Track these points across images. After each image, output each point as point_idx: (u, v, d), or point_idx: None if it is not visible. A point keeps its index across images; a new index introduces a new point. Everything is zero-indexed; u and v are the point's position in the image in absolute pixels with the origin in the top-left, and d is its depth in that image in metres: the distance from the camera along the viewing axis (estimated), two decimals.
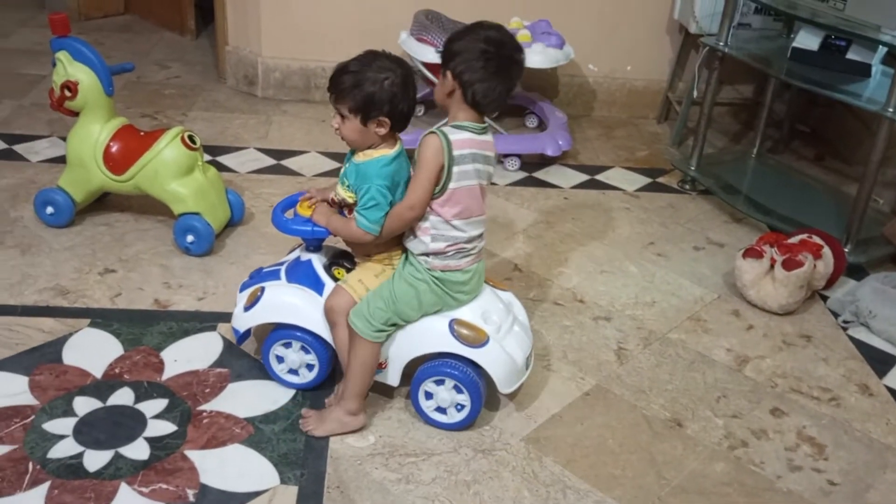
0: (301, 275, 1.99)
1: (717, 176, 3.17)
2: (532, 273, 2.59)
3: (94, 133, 2.49)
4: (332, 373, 2.05)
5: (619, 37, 3.67)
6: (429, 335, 1.91)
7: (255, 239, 2.64)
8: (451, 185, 1.82)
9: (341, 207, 1.94)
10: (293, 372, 2.04)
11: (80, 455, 1.81)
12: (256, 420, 1.94)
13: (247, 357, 2.13)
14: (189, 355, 2.13)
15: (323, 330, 1.97)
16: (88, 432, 1.87)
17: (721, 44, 3.01)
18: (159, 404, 1.97)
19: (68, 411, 1.92)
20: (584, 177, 3.25)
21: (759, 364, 2.27)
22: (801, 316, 2.50)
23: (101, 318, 2.23)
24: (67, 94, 2.44)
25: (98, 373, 2.05)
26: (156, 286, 2.38)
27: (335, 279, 1.97)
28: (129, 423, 1.90)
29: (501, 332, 1.94)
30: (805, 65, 2.89)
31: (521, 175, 3.20)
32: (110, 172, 2.51)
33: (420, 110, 3.62)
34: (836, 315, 2.51)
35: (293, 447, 1.87)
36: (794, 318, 2.48)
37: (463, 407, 1.93)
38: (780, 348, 2.35)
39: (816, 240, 2.55)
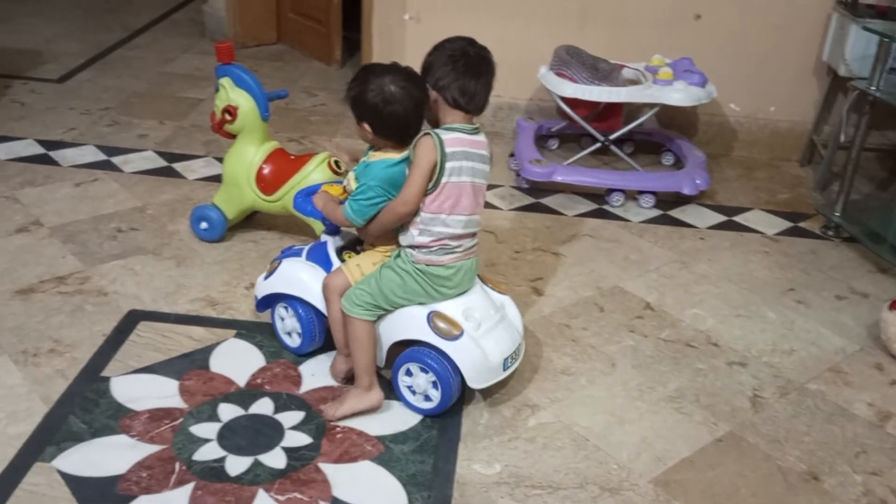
0: (316, 254, 2.19)
1: (862, 223, 3.05)
2: (665, 313, 2.55)
3: (248, 155, 2.64)
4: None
5: (763, 77, 3.60)
6: (409, 322, 2.04)
7: None
8: (444, 180, 1.96)
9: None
10: (288, 334, 2.26)
11: (223, 459, 1.91)
12: (386, 439, 2.00)
13: (380, 378, 2.19)
14: (325, 371, 2.21)
15: (322, 305, 2.14)
16: (231, 438, 1.97)
17: (872, 88, 2.91)
18: (296, 416, 2.05)
19: (213, 416, 2.03)
20: (721, 217, 3.19)
21: None
22: None
23: (246, 330, 2.35)
24: (228, 117, 2.59)
25: (242, 382, 2.15)
26: None
27: (343, 261, 2.14)
28: (269, 432, 1.99)
29: (481, 329, 2.03)
30: None
31: (656, 213, 3.17)
32: (261, 192, 2.64)
33: (555, 143, 3.65)
34: None
35: (421, 469, 1.91)
36: None
37: (432, 398, 2.04)
38: None
39: None
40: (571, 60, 3.21)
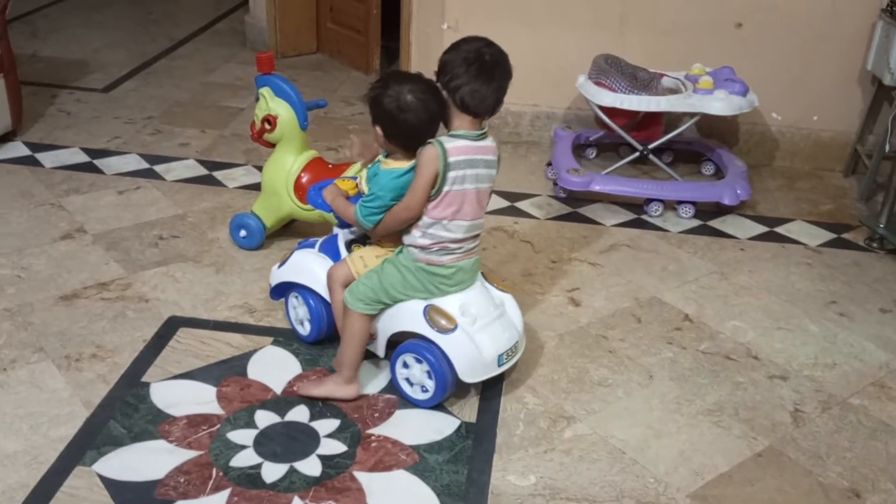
0: (328, 246, 2.28)
1: None
2: (703, 325, 2.52)
3: (287, 164, 2.66)
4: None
5: (806, 86, 3.55)
6: (406, 316, 2.10)
7: None
8: (445, 188, 1.99)
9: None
10: (300, 322, 2.35)
11: (259, 466, 1.92)
12: (421, 448, 2.00)
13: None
14: (360, 378, 2.20)
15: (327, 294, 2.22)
16: (267, 444, 1.98)
17: None
18: (332, 424, 2.06)
19: (250, 423, 2.05)
20: (762, 228, 3.14)
21: None
22: None
23: (283, 338, 2.36)
24: (267, 126, 2.61)
25: (278, 389, 2.17)
26: None
27: (350, 253, 2.22)
28: (304, 440, 2.01)
29: (477, 325, 2.07)
30: None
31: (695, 223, 3.14)
32: (299, 201, 2.66)
33: (593, 152, 3.63)
34: None
35: (455, 479, 1.91)
36: None
37: (427, 389, 2.10)
38: None
39: None
40: (610, 69, 3.20)
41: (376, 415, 2.10)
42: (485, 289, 2.18)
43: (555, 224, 3.09)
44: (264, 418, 2.07)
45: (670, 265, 2.84)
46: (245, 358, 2.27)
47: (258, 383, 2.18)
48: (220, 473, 1.89)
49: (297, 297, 2.31)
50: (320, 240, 2.32)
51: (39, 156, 3.43)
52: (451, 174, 1.98)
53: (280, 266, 2.33)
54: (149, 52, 4.79)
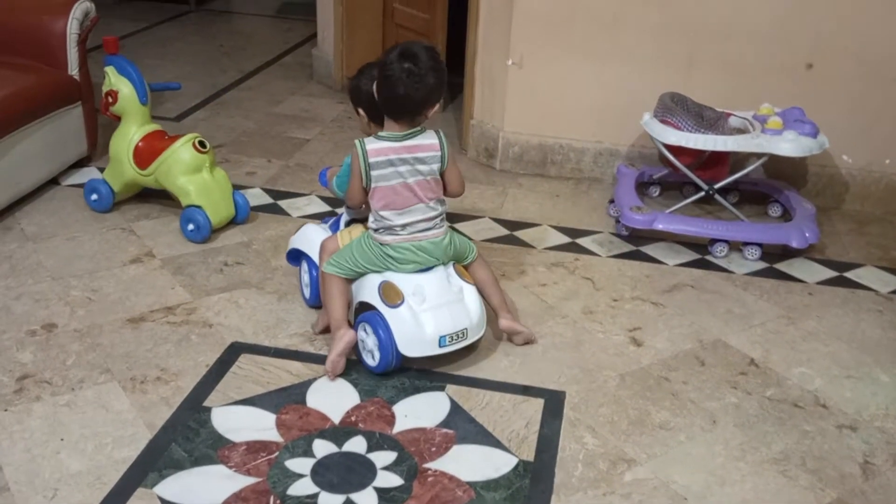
0: (334, 223, 2.61)
1: None
2: (770, 370, 2.46)
3: (129, 134, 3.08)
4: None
5: (879, 129, 3.47)
6: (366, 288, 2.36)
7: None
8: (372, 185, 2.28)
9: None
10: (307, 286, 2.63)
11: (316, 496, 1.92)
12: (478, 485, 1.98)
13: (473, 422, 2.18)
14: (418, 412, 2.21)
15: None
16: (324, 474, 1.99)
17: None
18: (389, 456, 2.05)
19: (308, 452, 2.06)
20: (831, 273, 3.06)
21: None
22: None
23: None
24: (110, 100, 3.05)
25: (336, 418, 2.18)
26: None
27: None
28: (361, 471, 2.00)
29: (424, 305, 2.28)
30: None
31: (761, 266, 3.08)
32: (137, 167, 3.07)
33: (656, 190, 3.59)
34: None
35: None
36: None
37: (376, 356, 2.31)
38: None
39: None
40: (676, 108, 3.17)
41: (433, 449, 2.09)
42: (445, 275, 2.38)
43: (616, 262, 3.06)
44: (322, 448, 2.07)
45: (735, 308, 2.79)
46: (304, 386, 2.29)
47: (317, 412, 2.19)
48: (278, 501, 1.90)
49: (305, 264, 2.59)
50: (334, 218, 2.64)
51: None
52: (374, 173, 2.26)
53: (294, 235, 2.66)
54: (219, 84, 4.91)
